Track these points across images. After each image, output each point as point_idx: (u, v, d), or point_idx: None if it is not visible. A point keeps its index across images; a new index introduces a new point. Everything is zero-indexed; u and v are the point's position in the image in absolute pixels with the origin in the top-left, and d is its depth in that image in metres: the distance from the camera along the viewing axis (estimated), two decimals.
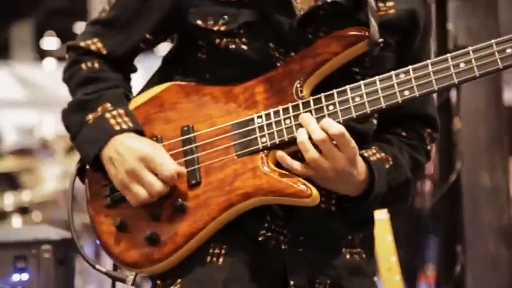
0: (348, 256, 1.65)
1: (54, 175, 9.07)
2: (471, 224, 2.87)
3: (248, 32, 1.56)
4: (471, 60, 1.46)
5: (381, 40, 1.55)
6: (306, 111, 1.49)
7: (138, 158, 1.52)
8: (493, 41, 1.47)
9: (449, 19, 2.83)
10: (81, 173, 1.67)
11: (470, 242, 2.86)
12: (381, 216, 2.47)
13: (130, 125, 1.58)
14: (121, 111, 1.59)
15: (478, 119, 2.89)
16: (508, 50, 1.46)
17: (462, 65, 1.47)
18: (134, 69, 1.76)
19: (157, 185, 1.51)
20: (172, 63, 1.72)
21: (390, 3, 1.61)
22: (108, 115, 1.58)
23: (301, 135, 1.47)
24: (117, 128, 1.56)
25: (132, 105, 1.65)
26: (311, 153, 1.46)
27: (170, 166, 1.52)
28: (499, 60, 1.45)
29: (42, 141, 13.37)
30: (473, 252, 2.86)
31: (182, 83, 1.64)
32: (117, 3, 1.68)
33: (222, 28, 1.57)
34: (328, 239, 1.62)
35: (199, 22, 1.58)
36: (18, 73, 20.15)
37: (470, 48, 1.47)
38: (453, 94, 2.83)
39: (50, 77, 18.52)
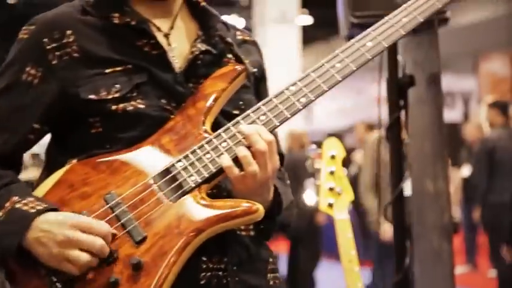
0: (271, 282, 1.57)
1: None
2: (418, 222, 2.96)
3: (141, 92, 1.46)
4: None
5: (254, 70, 1.61)
6: (221, 142, 1.43)
7: (68, 226, 1.33)
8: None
9: (398, 52, 2.89)
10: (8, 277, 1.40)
11: (417, 238, 2.93)
12: (341, 216, 2.55)
13: (45, 205, 1.38)
14: (31, 199, 1.39)
15: (423, 135, 2.95)
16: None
17: (338, 65, 1.49)
18: (21, 165, 1.56)
19: (98, 241, 1.33)
20: (59, 152, 1.52)
21: (243, 57, 1.60)
22: (19, 205, 1.37)
23: (242, 151, 1.40)
24: (33, 210, 1.36)
25: (38, 195, 1.43)
26: (254, 166, 1.39)
27: (104, 225, 1.36)
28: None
29: None
30: (420, 246, 2.94)
31: (83, 160, 1.45)
32: None
33: (117, 95, 1.45)
34: (257, 263, 1.55)
35: (92, 96, 1.44)
36: None
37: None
38: (402, 114, 2.88)
39: None
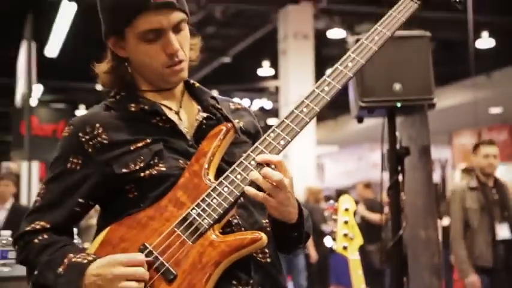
0: None
1: None
2: (412, 263, 2.88)
3: (161, 158, 1.44)
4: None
5: (238, 122, 1.56)
6: (223, 187, 1.38)
7: (111, 266, 1.32)
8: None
9: (397, 129, 2.87)
10: None
11: (412, 275, 2.86)
12: (354, 257, 2.51)
13: (94, 256, 1.37)
14: (83, 254, 1.38)
15: (416, 194, 2.90)
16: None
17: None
18: (73, 232, 1.54)
19: (139, 270, 1.32)
20: (108, 217, 1.48)
21: (237, 120, 1.58)
22: (74, 260, 1.36)
23: (255, 174, 1.37)
24: (85, 261, 1.35)
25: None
26: (268, 185, 1.36)
27: (138, 255, 1.35)
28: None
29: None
30: (414, 282, 2.87)
31: (118, 221, 1.42)
32: (46, 191, 1.49)
33: (142, 164, 1.43)
34: (277, 283, 1.50)
35: (124, 170, 1.43)
36: None
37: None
38: (400, 177, 2.85)
39: None
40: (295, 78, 10.16)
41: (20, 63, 10.09)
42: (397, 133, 2.87)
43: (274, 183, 1.36)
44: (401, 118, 2.94)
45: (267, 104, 16.05)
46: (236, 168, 1.40)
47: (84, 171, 1.46)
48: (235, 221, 1.44)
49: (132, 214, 1.42)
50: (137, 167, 1.43)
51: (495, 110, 13.89)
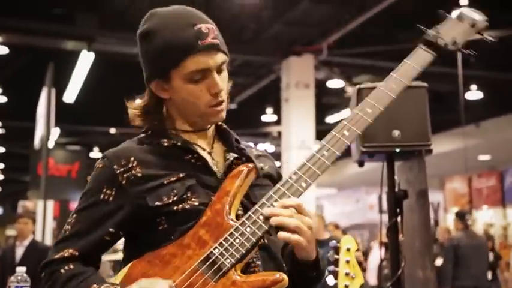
0: None
1: None
2: None
3: (194, 192, 1.41)
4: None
5: (261, 165, 1.55)
6: (246, 228, 1.34)
7: None
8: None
9: (395, 173, 2.84)
10: None
11: None
12: None
13: (118, 284, 1.34)
14: (107, 284, 1.34)
15: (414, 235, 2.85)
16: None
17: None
18: (99, 262, 1.49)
19: None
20: (135, 248, 1.44)
21: (261, 165, 1.57)
22: None
23: (277, 220, 1.32)
24: None
25: None
26: (293, 223, 1.32)
27: (163, 281, 1.29)
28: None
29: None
30: None
31: (141, 257, 1.38)
32: (76, 220, 1.44)
33: (175, 198, 1.39)
34: None
35: (157, 203, 1.39)
36: None
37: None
38: (398, 218, 2.82)
39: None
40: (296, 124, 10.19)
41: (39, 108, 10.16)
42: (395, 177, 2.85)
43: (300, 224, 1.32)
44: (400, 163, 2.91)
45: (270, 148, 16.08)
46: (258, 209, 1.36)
47: (117, 202, 1.42)
48: (257, 261, 1.40)
49: (156, 250, 1.37)
50: (170, 200, 1.39)
51: (484, 157, 13.87)
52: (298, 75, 10.18)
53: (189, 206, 1.39)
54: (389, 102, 1.50)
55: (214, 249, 1.33)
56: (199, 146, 1.51)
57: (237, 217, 1.41)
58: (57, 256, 1.40)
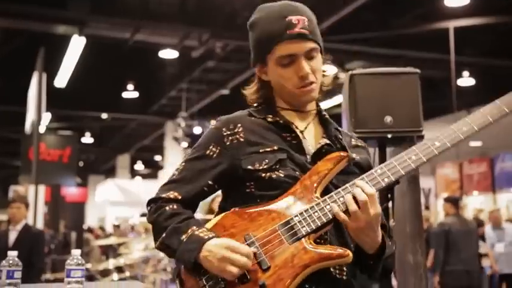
0: None
1: (139, 247, 8.93)
2: (401, 285, 2.86)
3: (282, 166, 1.57)
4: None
5: (354, 156, 1.65)
6: (326, 205, 1.49)
7: (223, 247, 1.45)
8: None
9: (387, 158, 2.85)
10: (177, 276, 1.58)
11: None
12: None
13: (213, 234, 1.50)
14: (204, 229, 1.53)
15: (405, 220, 2.89)
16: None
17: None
18: (199, 202, 1.69)
19: (243, 260, 1.43)
20: (227, 204, 1.64)
21: (354, 154, 1.67)
22: (197, 232, 1.51)
23: (348, 196, 1.47)
24: (206, 237, 1.49)
25: None
26: (353, 206, 1.46)
27: (246, 247, 1.47)
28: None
29: (132, 226, 13.24)
30: None
31: (233, 210, 1.57)
32: (184, 168, 1.65)
33: (265, 166, 1.56)
34: None
35: (249, 167, 1.57)
36: (119, 185, 21.27)
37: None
38: (390, 204, 2.83)
39: (138, 187, 20.25)
40: None
41: (30, 92, 10.09)
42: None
43: (359, 206, 1.46)
44: (392, 148, 2.92)
45: None
46: (341, 191, 1.52)
47: (219, 159, 1.63)
48: (327, 236, 1.55)
49: (246, 207, 1.55)
50: (260, 167, 1.57)
51: (475, 144, 13.94)
52: None
53: (275, 175, 1.56)
54: (486, 124, 1.64)
55: (295, 216, 1.50)
56: (294, 125, 1.67)
57: (321, 196, 1.55)
58: (163, 195, 1.62)
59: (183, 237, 1.52)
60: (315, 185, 1.54)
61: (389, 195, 2.83)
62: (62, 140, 11.53)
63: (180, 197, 1.62)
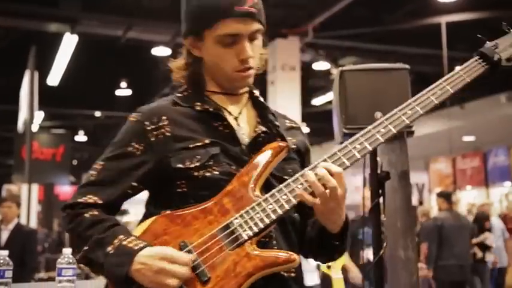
0: None
1: None
2: (392, 282, 2.86)
3: (216, 161, 1.43)
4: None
5: (294, 146, 1.55)
6: (268, 205, 1.38)
7: (158, 258, 1.32)
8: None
9: (378, 154, 2.86)
10: None
11: None
12: (337, 276, 2.50)
13: (144, 243, 1.36)
14: (132, 237, 1.38)
15: (396, 215, 2.88)
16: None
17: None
18: (121, 206, 1.52)
19: (183, 270, 1.31)
20: (156, 204, 1.49)
21: (290, 138, 1.57)
22: (125, 242, 1.36)
23: (311, 176, 1.37)
24: (136, 247, 1.34)
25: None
26: (320, 189, 1.36)
27: (184, 255, 1.34)
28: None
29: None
30: None
31: (164, 213, 1.41)
32: (103, 168, 1.48)
33: (198, 164, 1.42)
34: None
35: (179, 165, 1.43)
36: None
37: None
38: (381, 199, 2.84)
39: None
40: (282, 107, 10.19)
41: (23, 91, 10.05)
42: (378, 158, 2.86)
43: (328, 190, 1.36)
44: (382, 144, 2.93)
45: None
46: (283, 188, 1.40)
47: (143, 157, 1.46)
48: (272, 233, 1.44)
49: (178, 210, 1.41)
50: (192, 165, 1.43)
51: (468, 139, 14.00)
52: (284, 57, 10.16)
53: (209, 173, 1.42)
54: (430, 108, 1.54)
55: (234, 219, 1.38)
56: (226, 110, 1.53)
57: (263, 191, 1.44)
58: (81, 200, 1.44)
59: (109, 249, 1.36)
60: (254, 181, 1.41)
61: (380, 191, 2.84)
62: (55, 138, 11.51)
63: (100, 202, 1.44)
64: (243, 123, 1.55)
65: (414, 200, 15.72)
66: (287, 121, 1.67)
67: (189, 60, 1.57)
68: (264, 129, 1.52)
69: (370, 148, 1.47)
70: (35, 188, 11.22)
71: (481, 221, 8.51)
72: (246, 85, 1.57)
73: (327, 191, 1.37)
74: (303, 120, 12.00)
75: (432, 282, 7.52)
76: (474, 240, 8.02)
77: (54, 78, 11.53)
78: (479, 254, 8.18)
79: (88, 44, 10.17)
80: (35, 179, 9.44)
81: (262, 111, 1.59)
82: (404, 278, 2.86)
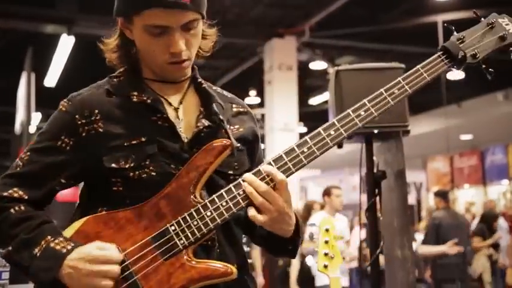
0: None
1: None
2: (389, 279, 2.87)
3: (153, 161, 1.33)
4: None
5: (238, 145, 1.42)
6: (207, 212, 1.29)
7: (88, 261, 1.24)
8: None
9: (374, 154, 2.88)
10: None
11: None
12: (334, 275, 2.48)
13: (72, 245, 1.27)
14: (61, 238, 1.29)
15: (392, 214, 2.88)
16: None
17: (332, 132, 1.35)
18: (49, 204, 1.42)
19: (114, 269, 1.25)
20: (90, 199, 1.40)
21: (237, 126, 1.47)
22: (52, 244, 1.27)
23: (248, 188, 1.28)
24: (64, 250, 1.26)
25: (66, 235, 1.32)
26: (259, 199, 1.28)
27: (114, 253, 1.27)
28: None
29: None
30: None
31: (97, 214, 1.33)
32: (30, 159, 1.37)
33: (133, 164, 1.32)
34: None
35: (113, 165, 1.32)
36: None
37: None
38: (377, 199, 2.85)
39: None
40: (279, 106, 10.21)
41: (19, 92, 10.04)
42: (374, 158, 2.88)
43: (265, 198, 1.28)
44: (378, 144, 2.94)
45: None
46: (224, 194, 1.31)
47: (73, 154, 1.36)
48: (214, 235, 1.35)
49: (112, 211, 1.32)
50: (127, 166, 1.32)
51: (465, 137, 14.03)
52: (281, 57, 10.17)
53: (145, 175, 1.33)
54: (384, 110, 1.41)
55: (170, 226, 1.29)
56: (166, 100, 1.42)
57: (203, 190, 1.35)
58: (5, 194, 1.34)
59: (36, 251, 1.27)
60: (193, 183, 1.31)
61: (377, 191, 2.85)
62: None
63: (26, 197, 1.35)
64: (184, 114, 1.42)
65: (412, 199, 15.77)
66: (234, 105, 1.53)
67: (121, 40, 1.43)
68: (206, 123, 1.39)
69: (317, 153, 1.36)
70: None
71: (490, 220, 8.45)
72: (181, 77, 1.44)
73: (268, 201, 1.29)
74: (300, 119, 12.01)
75: (429, 280, 7.54)
76: (489, 241, 7.98)
77: (51, 80, 11.52)
78: (496, 256, 8.10)
79: (85, 45, 10.14)
80: None
81: (206, 100, 1.45)
82: (401, 275, 2.87)
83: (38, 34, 9.80)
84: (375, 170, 2.82)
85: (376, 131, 2.74)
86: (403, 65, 2.79)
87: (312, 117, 13.04)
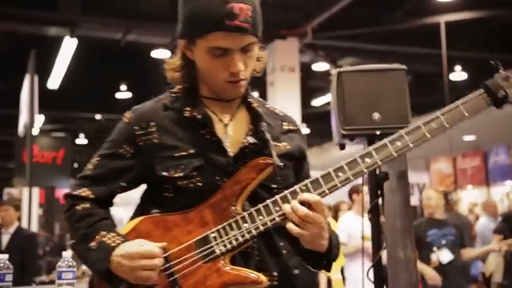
0: None
1: None
2: (392, 281, 2.85)
3: (200, 173, 1.46)
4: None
5: (281, 164, 1.50)
6: (244, 223, 1.41)
7: (129, 257, 1.39)
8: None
9: None
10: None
11: None
12: (336, 276, 2.50)
13: (121, 240, 1.44)
14: (113, 233, 1.46)
15: (395, 216, 2.88)
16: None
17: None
18: (112, 204, 1.61)
19: (155, 262, 1.39)
20: (147, 200, 1.57)
21: (285, 143, 1.58)
22: (105, 238, 1.44)
23: (286, 209, 1.39)
24: (113, 244, 1.42)
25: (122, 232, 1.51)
26: (297, 219, 1.37)
27: (152, 248, 1.40)
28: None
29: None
30: None
31: (152, 215, 1.49)
32: (98, 164, 1.56)
33: (181, 174, 1.46)
34: None
35: (164, 173, 1.47)
36: None
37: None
38: (379, 200, 2.84)
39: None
40: (282, 108, 10.11)
41: (23, 95, 10.07)
42: None
43: (303, 217, 1.37)
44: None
45: None
46: (261, 209, 1.42)
47: (132, 161, 1.53)
48: (255, 245, 1.47)
49: (164, 214, 1.47)
50: (176, 175, 1.47)
51: (468, 138, 13.99)
52: (283, 58, 10.16)
53: (192, 185, 1.46)
54: (421, 143, 1.50)
55: (211, 233, 1.42)
56: (217, 116, 1.55)
57: (247, 202, 1.47)
58: (76, 192, 1.54)
59: (92, 244, 1.45)
60: (236, 196, 1.44)
61: (379, 192, 2.84)
62: (56, 141, 11.51)
63: (93, 196, 1.54)
64: (233, 130, 1.55)
65: (416, 201, 15.75)
66: (285, 123, 1.66)
67: (183, 61, 1.58)
68: (252, 140, 1.52)
69: (352, 179, 1.46)
70: (36, 191, 11.23)
71: None
72: (237, 95, 1.57)
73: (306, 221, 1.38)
74: (303, 121, 12.01)
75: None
76: (510, 241, 7.89)
77: (54, 82, 11.54)
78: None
79: (88, 47, 10.18)
80: (35, 182, 9.45)
81: (255, 118, 1.58)
82: (404, 277, 2.85)
83: (40, 36, 9.83)
84: (377, 172, 2.82)
85: (378, 132, 2.74)
86: (404, 66, 2.79)
87: (314, 119, 13.05)
